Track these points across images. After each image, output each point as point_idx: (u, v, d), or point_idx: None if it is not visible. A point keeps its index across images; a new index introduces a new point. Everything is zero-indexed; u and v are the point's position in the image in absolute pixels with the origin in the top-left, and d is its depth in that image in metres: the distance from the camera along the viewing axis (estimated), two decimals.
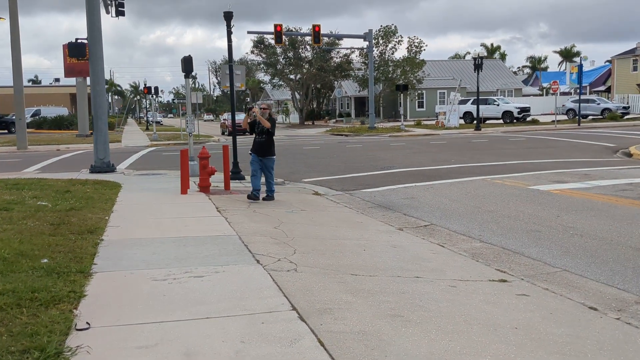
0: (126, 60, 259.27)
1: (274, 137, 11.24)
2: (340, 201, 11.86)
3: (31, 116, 57.47)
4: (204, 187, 11.98)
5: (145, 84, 52.90)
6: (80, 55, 17.30)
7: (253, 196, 10.90)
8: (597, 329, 4.57)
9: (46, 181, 13.47)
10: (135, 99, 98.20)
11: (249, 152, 11.33)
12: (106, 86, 73.08)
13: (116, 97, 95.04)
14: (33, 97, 65.51)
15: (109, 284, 5.35)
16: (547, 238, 8.13)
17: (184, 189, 11.72)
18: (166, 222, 8.53)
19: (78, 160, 22.35)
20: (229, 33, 15.67)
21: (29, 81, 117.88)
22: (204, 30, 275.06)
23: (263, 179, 11.25)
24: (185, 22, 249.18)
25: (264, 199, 10.96)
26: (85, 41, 17.04)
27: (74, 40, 17.26)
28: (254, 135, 11.24)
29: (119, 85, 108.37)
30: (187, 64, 15.50)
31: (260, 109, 11.20)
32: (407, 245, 7.63)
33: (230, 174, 14.51)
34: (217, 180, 13.21)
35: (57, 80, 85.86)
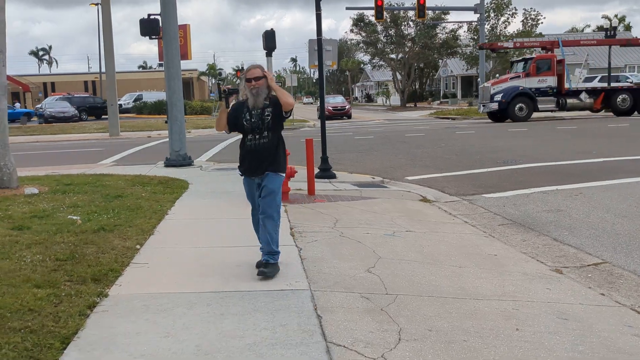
0: (229, 45, 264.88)
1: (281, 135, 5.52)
2: (457, 213, 8.93)
3: (133, 101, 58.13)
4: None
5: (242, 67, 51.57)
6: (153, 33, 15.31)
7: (260, 266, 5.31)
8: None
9: (107, 179, 11.55)
10: (237, 82, 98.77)
11: (238, 171, 5.58)
12: (207, 70, 73.34)
13: (216, 80, 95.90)
14: (139, 83, 66.54)
15: None
16: None
17: None
18: (213, 257, 6.03)
19: (162, 149, 20.70)
20: (318, 0, 12.98)
21: (138, 67, 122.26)
22: (302, 13, 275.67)
23: None
24: (282, 5, 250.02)
25: (258, 273, 5.21)
26: (159, 17, 15.03)
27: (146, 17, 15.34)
28: (242, 137, 5.47)
29: (221, 69, 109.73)
30: (268, 40, 13.09)
31: (247, 81, 5.19)
32: (586, 316, 4.64)
33: (318, 171, 11.99)
34: (301, 179, 10.67)
35: (160, 65, 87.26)
